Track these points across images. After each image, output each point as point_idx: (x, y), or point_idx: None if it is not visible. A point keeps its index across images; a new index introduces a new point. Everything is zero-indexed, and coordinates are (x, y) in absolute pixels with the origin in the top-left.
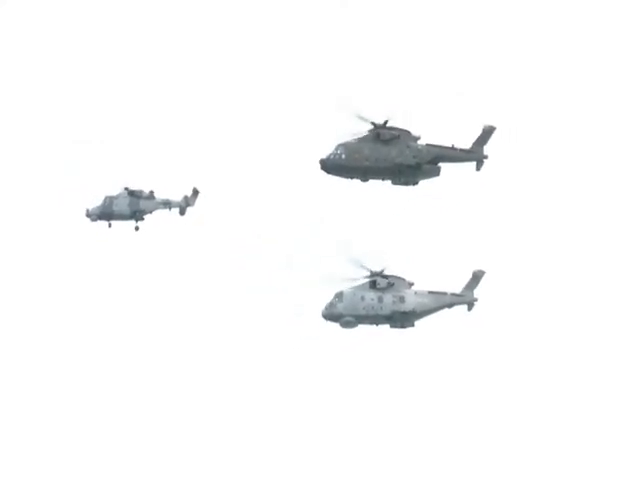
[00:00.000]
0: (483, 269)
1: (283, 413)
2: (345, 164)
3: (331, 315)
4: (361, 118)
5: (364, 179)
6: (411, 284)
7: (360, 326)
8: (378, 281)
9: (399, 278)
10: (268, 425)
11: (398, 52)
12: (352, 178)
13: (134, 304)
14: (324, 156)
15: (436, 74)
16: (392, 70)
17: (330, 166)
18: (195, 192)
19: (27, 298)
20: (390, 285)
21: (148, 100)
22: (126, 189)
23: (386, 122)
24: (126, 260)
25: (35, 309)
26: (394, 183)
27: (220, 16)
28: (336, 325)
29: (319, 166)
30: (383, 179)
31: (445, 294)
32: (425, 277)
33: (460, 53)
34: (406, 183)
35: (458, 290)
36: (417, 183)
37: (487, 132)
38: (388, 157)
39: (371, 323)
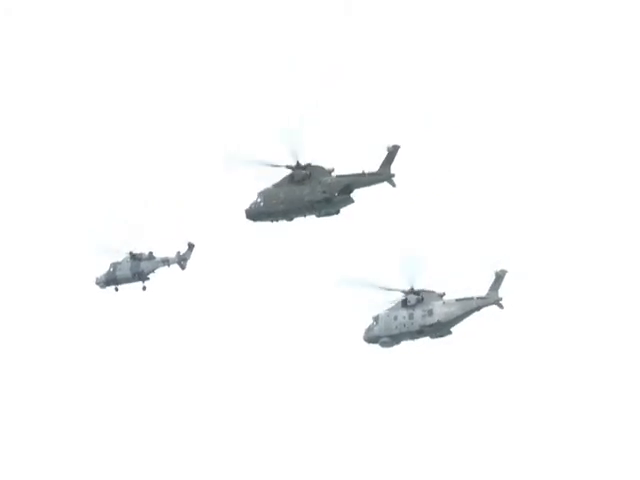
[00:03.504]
0: (505, 268)
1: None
2: (264, 210)
3: (370, 338)
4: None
5: (288, 219)
6: (441, 295)
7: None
8: (408, 299)
9: (429, 292)
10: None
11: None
12: (277, 221)
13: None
14: (247, 206)
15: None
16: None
17: (253, 215)
18: (190, 246)
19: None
20: (420, 301)
21: None
22: (130, 253)
23: (308, 165)
24: (137, 318)
25: (66, 374)
26: (317, 216)
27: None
28: (376, 346)
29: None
30: (305, 215)
31: (471, 299)
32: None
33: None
34: (328, 214)
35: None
36: (338, 212)
37: (392, 152)
38: (300, 196)
39: (409, 339)
